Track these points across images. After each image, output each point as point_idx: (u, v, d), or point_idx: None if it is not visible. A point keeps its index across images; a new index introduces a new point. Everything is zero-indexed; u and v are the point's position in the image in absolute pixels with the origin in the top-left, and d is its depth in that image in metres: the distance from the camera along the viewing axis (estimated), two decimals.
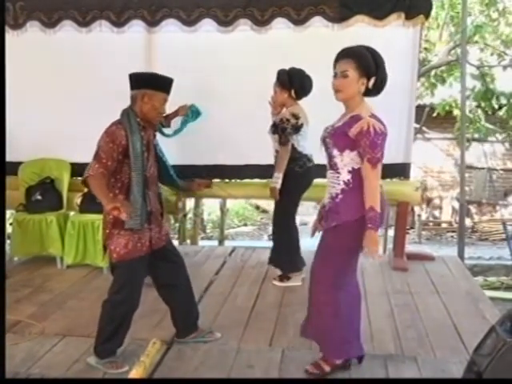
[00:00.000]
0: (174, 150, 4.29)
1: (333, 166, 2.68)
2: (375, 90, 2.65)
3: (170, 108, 3.48)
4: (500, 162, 11.53)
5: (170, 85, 2.95)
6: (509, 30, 8.44)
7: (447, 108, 8.76)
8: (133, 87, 2.90)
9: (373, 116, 2.58)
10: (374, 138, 2.52)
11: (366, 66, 2.58)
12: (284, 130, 3.92)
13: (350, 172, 2.63)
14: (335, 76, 2.64)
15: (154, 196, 2.97)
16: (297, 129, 3.94)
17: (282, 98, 4.02)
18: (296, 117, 3.94)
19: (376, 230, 2.56)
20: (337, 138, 2.63)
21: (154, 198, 2.98)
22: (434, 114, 9.34)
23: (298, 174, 4.01)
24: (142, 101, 2.85)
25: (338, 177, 2.66)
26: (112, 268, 2.96)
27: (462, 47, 5.67)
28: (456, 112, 8.72)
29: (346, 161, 2.62)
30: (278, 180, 3.97)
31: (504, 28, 8.49)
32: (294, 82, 3.95)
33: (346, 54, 2.62)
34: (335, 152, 2.64)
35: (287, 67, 4.01)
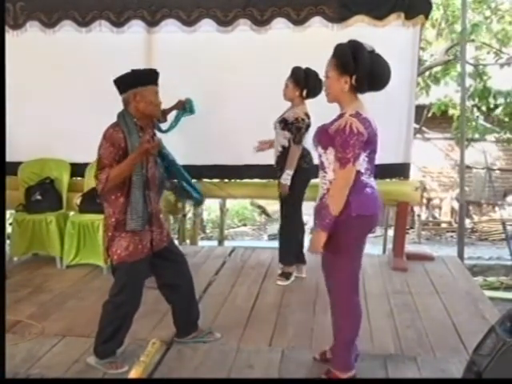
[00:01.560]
0: (174, 149, 4.26)
1: (321, 166, 2.63)
2: (369, 86, 2.50)
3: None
4: (499, 162, 11.53)
5: (156, 76, 2.91)
6: (503, 27, 8.42)
7: (443, 108, 8.76)
8: (121, 91, 2.86)
9: (356, 115, 2.47)
10: (347, 138, 2.42)
11: (344, 63, 2.48)
12: (299, 129, 3.96)
13: (334, 171, 2.53)
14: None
15: (154, 197, 2.96)
16: (308, 127, 3.97)
17: (292, 94, 4.02)
18: (308, 116, 3.99)
19: (322, 229, 2.48)
20: (320, 135, 2.59)
21: (155, 199, 2.97)
22: (430, 114, 9.35)
23: (305, 170, 4.05)
24: (134, 100, 2.82)
25: (324, 176, 2.60)
26: (113, 270, 2.94)
27: (461, 46, 5.67)
28: (452, 111, 8.71)
29: (331, 159, 2.54)
30: (288, 177, 3.99)
31: (498, 26, 8.45)
32: (309, 82, 3.95)
33: (332, 53, 2.56)
34: (320, 150, 2.59)
35: (287, 67, 4.01)
